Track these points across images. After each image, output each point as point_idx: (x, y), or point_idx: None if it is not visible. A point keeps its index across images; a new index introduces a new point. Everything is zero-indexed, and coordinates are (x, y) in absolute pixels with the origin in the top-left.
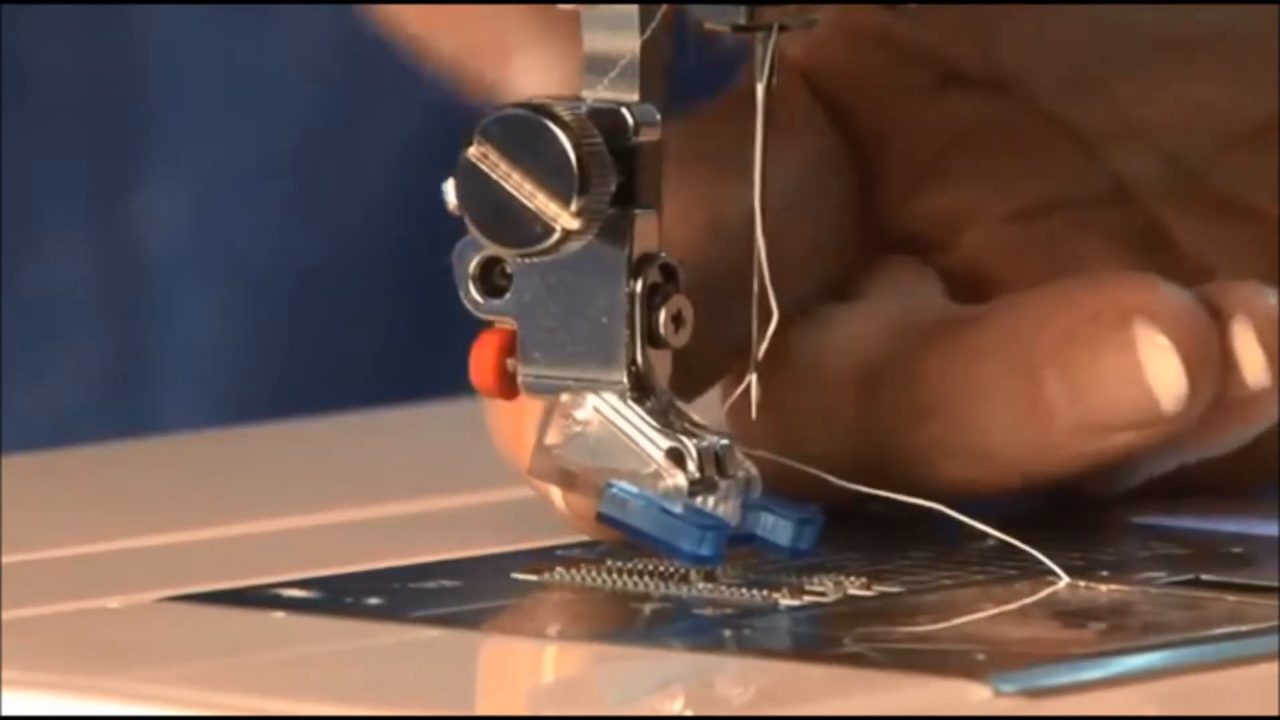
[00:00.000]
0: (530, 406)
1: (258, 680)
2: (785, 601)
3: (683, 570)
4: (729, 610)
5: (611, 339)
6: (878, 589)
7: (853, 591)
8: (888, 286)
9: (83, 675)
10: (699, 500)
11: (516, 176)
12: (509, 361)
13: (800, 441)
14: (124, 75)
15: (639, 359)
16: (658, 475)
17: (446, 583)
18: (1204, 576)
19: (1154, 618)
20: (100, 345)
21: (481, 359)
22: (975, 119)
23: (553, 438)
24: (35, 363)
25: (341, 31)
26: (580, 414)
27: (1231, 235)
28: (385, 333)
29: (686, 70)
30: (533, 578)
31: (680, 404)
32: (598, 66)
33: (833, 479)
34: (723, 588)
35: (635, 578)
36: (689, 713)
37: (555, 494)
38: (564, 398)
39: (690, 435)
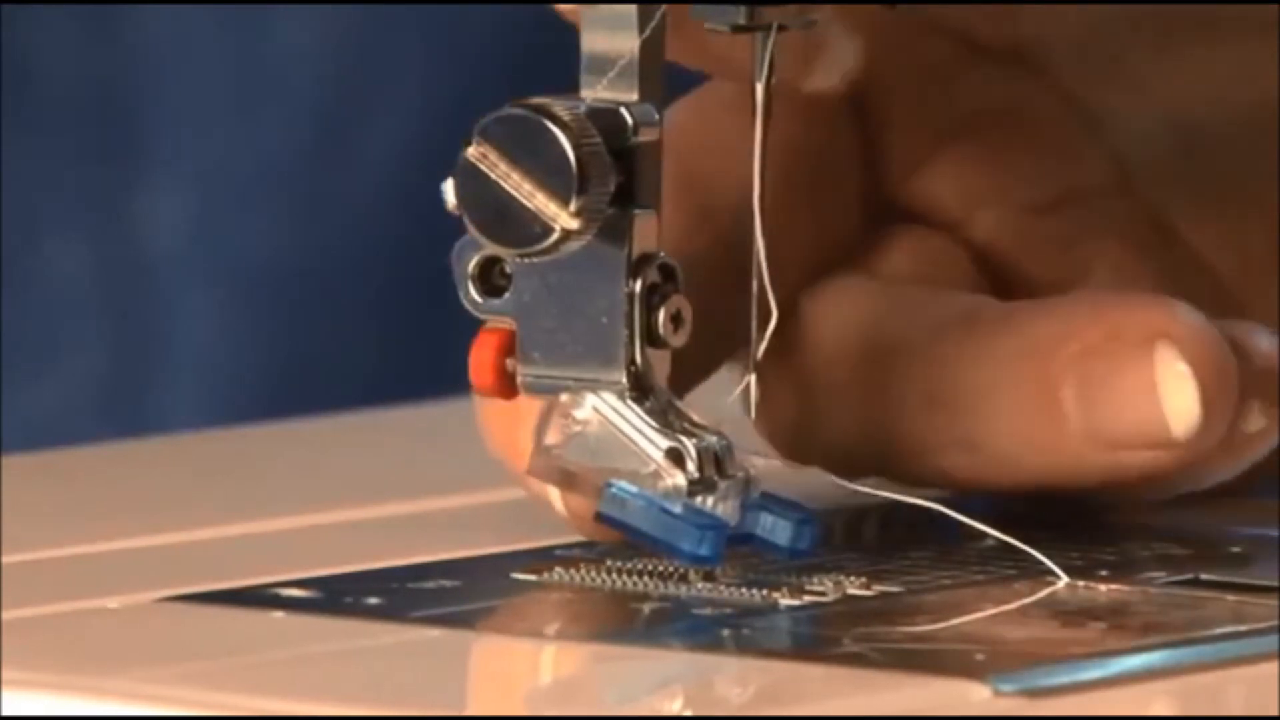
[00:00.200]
0: (523, 409)
1: (257, 680)
2: (785, 601)
3: (682, 570)
4: (728, 610)
5: (611, 339)
6: (877, 589)
7: (852, 591)
8: (912, 262)
9: (83, 675)
10: (698, 500)
11: (516, 176)
12: (508, 361)
13: (811, 423)
14: (124, 75)
15: (638, 359)
16: (657, 475)
17: (446, 583)
18: (1204, 576)
19: (1154, 618)
20: (100, 345)
21: (481, 359)
22: (993, 98)
23: (552, 437)
24: (35, 363)
25: (341, 32)
26: (579, 414)
27: (1233, 225)
28: (385, 333)
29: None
30: (532, 578)
31: (679, 404)
32: (596, 66)
33: (835, 479)
34: (722, 587)
35: (634, 578)
36: (688, 713)
37: (554, 495)
38: (563, 398)
39: (689, 435)
